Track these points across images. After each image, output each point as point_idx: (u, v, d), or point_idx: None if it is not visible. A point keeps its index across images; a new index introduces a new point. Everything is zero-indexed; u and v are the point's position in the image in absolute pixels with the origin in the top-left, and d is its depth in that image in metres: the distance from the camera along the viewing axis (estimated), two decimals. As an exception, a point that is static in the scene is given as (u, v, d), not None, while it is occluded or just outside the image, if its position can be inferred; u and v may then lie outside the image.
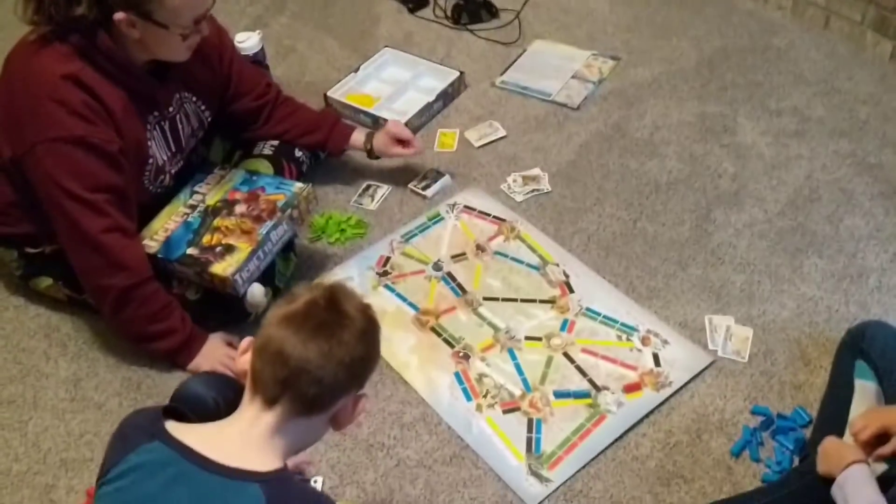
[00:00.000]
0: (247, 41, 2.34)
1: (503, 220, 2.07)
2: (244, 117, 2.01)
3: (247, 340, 1.15)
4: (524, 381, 1.73)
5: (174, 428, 1.07)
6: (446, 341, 1.82)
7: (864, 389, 1.50)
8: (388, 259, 2.00)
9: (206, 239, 1.77)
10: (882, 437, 1.33)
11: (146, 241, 1.76)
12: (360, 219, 2.10)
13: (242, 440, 1.07)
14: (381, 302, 1.89)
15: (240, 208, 1.82)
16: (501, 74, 2.52)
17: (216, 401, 1.30)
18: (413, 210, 2.13)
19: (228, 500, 1.01)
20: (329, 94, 2.40)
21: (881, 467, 1.34)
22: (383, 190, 2.18)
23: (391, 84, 2.48)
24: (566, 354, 1.78)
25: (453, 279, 1.95)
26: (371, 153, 2.12)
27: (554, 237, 2.03)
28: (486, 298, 1.90)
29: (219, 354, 1.75)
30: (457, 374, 1.75)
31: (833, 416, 1.51)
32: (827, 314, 1.83)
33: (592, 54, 2.57)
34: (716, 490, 1.54)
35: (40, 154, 1.56)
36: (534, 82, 2.47)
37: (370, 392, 1.70)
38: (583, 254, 1.99)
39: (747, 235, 2.01)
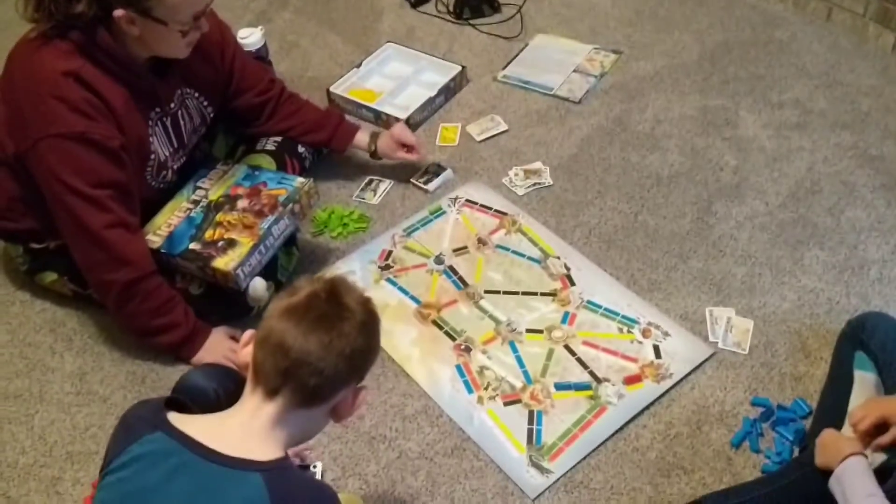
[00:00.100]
0: (250, 37, 2.34)
1: (505, 214, 2.08)
2: (247, 113, 2.02)
3: (248, 333, 1.16)
4: (525, 373, 1.74)
5: (176, 419, 1.08)
6: (448, 334, 1.83)
7: (864, 380, 1.50)
8: (390, 253, 2.01)
9: (208, 234, 1.78)
10: (881, 427, 1.34)
11: (149, 237, 1.77)
12: (362, 213, 2.11)
13: (244, 431, 1.08)
14: (384, 295, 1.90)
15: (242, 203, 1.83)
16: (503, 69, 2.52)
17: (217, 392, 1.32)
18: (415, 204, 2.14)
19: (230, 490, 1.03)
20: (332, 89, 2.41)
21: (880, 457, 1.34)
22: (385, 184, 2.18)
23: (393, 79, 2.48)
24: (567, 347, 1.78)
25: (455, 272, 1.96)
26: (374, 155, 2.13)
27: (555, 230, 2.03)
28: (487, 291, 1.91)
29: (222, 348, 1.75)
30: (458, 367, 1.76)
31: (833, 407, 1.51)
32: (828, 306, 1.83)
33: (594, 48, 2.57)
34: (716, 481, 1.55)
35: (43, 150, 1.57)
36: (536, 76, 2.47)
37: (372, 385, 1.71)
38: (584, 247, 1.99)
39: (748, 228, 2.01)
